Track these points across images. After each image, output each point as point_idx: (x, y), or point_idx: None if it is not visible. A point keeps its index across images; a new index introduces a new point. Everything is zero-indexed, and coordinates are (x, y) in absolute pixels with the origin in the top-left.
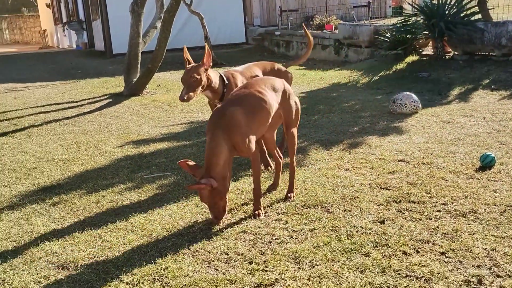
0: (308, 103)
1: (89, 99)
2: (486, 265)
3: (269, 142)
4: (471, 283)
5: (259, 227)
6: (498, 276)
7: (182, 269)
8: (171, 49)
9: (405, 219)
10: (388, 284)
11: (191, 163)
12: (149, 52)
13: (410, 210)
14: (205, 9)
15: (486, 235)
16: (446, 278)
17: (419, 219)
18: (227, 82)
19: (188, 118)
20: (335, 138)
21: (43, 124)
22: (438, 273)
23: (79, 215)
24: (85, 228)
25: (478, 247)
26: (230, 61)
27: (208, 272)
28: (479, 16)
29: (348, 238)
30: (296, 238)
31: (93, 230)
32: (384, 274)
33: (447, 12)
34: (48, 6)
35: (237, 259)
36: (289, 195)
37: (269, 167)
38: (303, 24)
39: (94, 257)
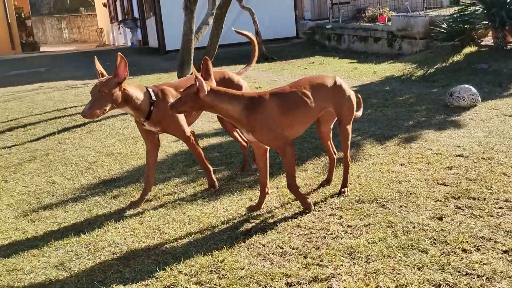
0: (361, 97)
1: None
2: None
3: (325, 136)
4: None
5: (313, 222)
6: None
7: (238, 262)
8: (222, 45)
9: (465, 215)
10: (448, 282)
11: None
12: (201, 48)
13: (470, 207)
14: (255, 4)
15: None
16: (509, 277)
17: (480, 216)
18: (154, 99)
19: None
20: (390, 132)
21: (102, 120)
22: (501, 272)
23: (137, 208)
24: (144, 221)
25: None
26: (280, 56)
27: (263, 265)
28: None
29: (404, 234)
30: (351, 233)
31: (151, 222)
32: (443, 272)
33: (508, 0)
34: (104, 5)
35: (292, 253)
36: (343, 190)
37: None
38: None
39: (154, 248)
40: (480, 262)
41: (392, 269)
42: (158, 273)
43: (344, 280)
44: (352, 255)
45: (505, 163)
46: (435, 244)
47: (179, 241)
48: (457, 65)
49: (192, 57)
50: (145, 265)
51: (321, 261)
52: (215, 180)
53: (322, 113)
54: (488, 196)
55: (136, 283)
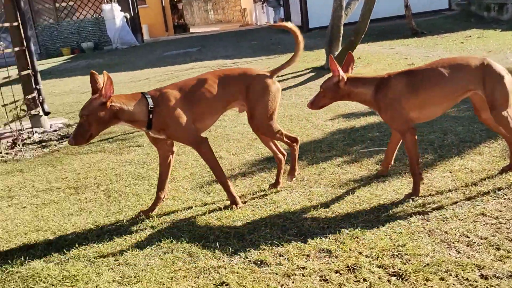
0: None
1: (292, 73)
2: None
3: (490, 123)
4: None
5: (500, 211)
6: None
7: (420, 248)
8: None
9: None
10: None
11: None
12: (349, 24)
13: None
14: None
15: None
16: None
17: None
18: (152, 106)
19: None
20: None
21: None
22: None
23: (310, 187)
24: (313, 199)
25: None
26: (431, 30)
27: (449, 253)
28: None
29: None
30: None
31: (321, 201)
32: None
33: None
34: None
35: (480, 243)
36: None
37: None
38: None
39: (328, 227)
40: None
41: None
42: (338, 252)
43: None
44: None
45: None
46: None
47: (352, 220)
48: None
49: (342, 34)
50: (324, 244)
51: None
52: (236, 196)
53: (466, 96)
54: None
55: (317, 261)
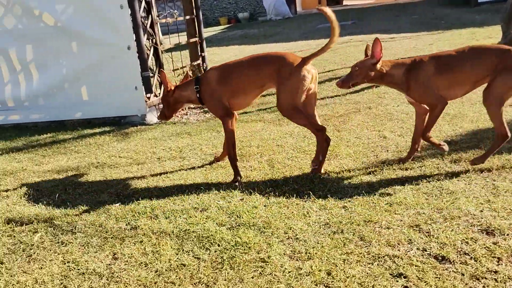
0: None
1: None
2: None
3: None
4: None
5: None
6: None
7: None
8: None
9: None
10: None
11: None
12: None
13: None
14: None
15: None
16: None
17: None
18: (197, 86)
19: None
20: None
21: None
22: None
23: (493, 180)
24: (498, 194)
25: None
26: None
27: None
28: None
29: None
30: None
31: (507, 197)
32: None
33: None
34: None
35: None
36: None
37: None
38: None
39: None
40: None
41: None
42: None
43: None
44: None
45: None
46: None
47: None
48: None
49: None
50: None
51: None
52: (239, 174)
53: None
54: None
55: (511, 267)
